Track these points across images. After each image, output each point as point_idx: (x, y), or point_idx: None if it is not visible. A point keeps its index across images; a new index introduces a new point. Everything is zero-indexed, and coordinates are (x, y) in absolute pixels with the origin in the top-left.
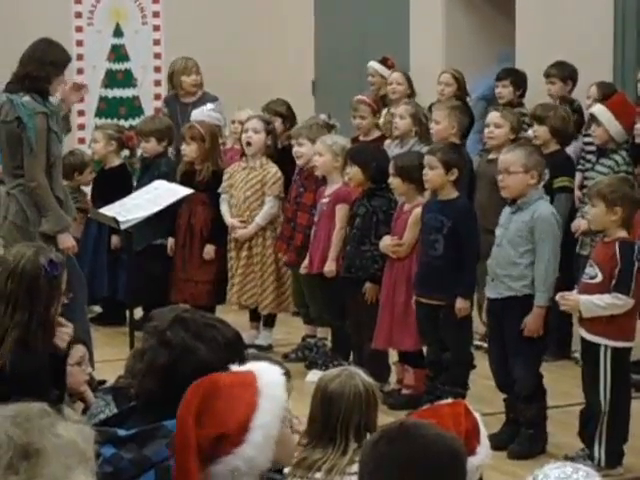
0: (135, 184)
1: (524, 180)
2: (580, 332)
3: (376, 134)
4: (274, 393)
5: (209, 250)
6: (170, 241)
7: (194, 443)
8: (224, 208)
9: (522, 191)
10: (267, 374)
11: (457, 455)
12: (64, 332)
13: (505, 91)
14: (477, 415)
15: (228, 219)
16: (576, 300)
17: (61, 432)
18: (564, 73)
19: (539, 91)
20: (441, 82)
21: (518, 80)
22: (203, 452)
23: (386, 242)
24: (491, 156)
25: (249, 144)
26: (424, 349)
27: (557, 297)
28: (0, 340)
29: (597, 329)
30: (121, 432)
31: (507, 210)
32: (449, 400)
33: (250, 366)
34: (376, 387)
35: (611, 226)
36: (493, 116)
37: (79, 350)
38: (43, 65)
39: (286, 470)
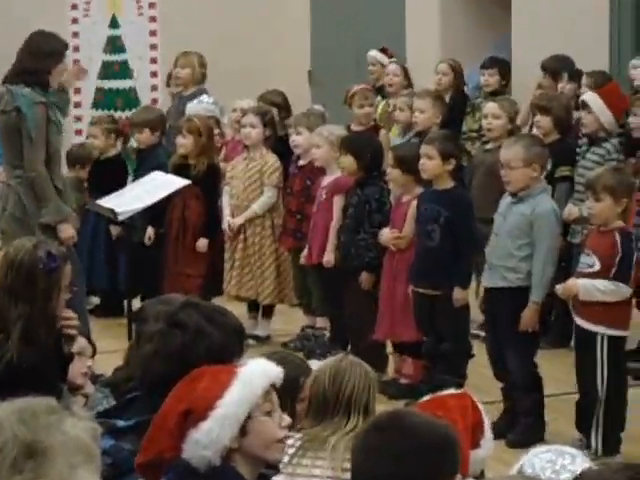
0: (131, 175)
1: (526, 174)
2: (576, 320)
3: (371, 123)
4: (250, 379)
5: (202, 243)
6: (149, 231)
7: (171, 420)
8: (225, 200)
9: (525, 184)
10: (253, 364)
11: (449, 442)
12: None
13: (492, 80)
14: (481, 407)
15: (226, 213)
16: (574, 284)
17: (68, 429)
18: (557, 65)
19: (534, 81)
20: (438, 72)
21: (504, 69)
22: (175, 426)
23: (386, 235)
24: (488, 146)
25: (248, 139)
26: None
27: (557, 288)
28: (7, 332)
29: (594, 318)
30: (120, 423)
31: (507, 199)
32: (451, 390)
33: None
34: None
35: (615, 217)
36: (491, 107)
37: (79, 342)
38: (40, 57)
39: (288, 450)
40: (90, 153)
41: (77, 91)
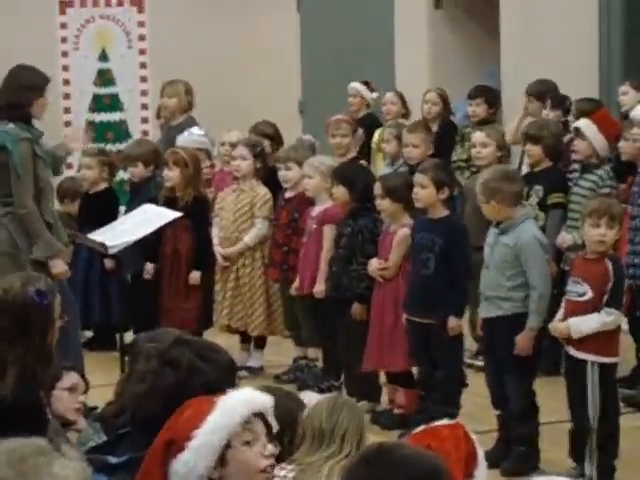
0: (125, 209)
1: (493, 207)
2: (567, 349)
3: (352, 154)
4: (228, 408)
5: (195, 276)
6: (148, 266)
7: (158, 451)
8: (214, 232)
9: (500, 216)
10: (234, 393)
11: (438, 474)
12: (71, 400)
13: (479, 109)
14: (474, 437)
15: (215, 244)
16: (566, 327)
17: (57, 471)
18: (540, 90)
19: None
20: (427, 101)
21: (491, 97)
22: (161, 457)
23: (372, 266)
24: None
25: (238, 171)
26: (413, 369)
27: (551, 326)
28: (2, 372)
29: (584, 346)
30: (112, 460)
31: (493, 230)
32: (445, 421)
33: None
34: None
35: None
36: (479, 136)
37: (72, 377)
38: (20, 91)
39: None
40: (80, 186)
41: (67, 124)
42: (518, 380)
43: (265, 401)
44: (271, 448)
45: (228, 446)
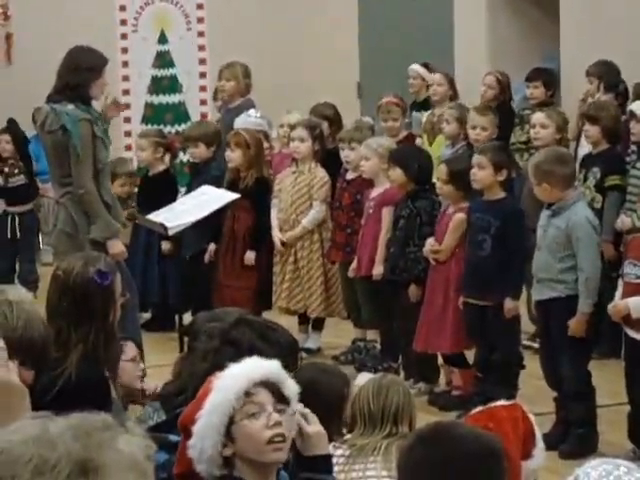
0: (185, 190)
1: (546, 190)
2: (627, 331)
3: (404, 134)
4: (223, 385)
5: (249, 256)
6: (211, 247)
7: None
8: (273, 213)
9: (550, 198)
10: (230, 368)
11: (495, 454)
12: (135, 368)
13: (537, 92)
14: (532, 418)
15: (274, 226)
16: (625, 304)
17: (122, 447)
18: (600, 72)
19: (583, 91)
20: (485, 84)
21: (549, 80)
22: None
23: (427, 246)
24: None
25: (297, 153)
26: (465, 351)
27: (609, 308)
28: (66, 352)
29: None
30: (173, 437)
31: (545, 212)
32: (503, 402)
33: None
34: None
35: None
36: (539, 117)
37: (132, 348)
38: (79, 72)
39: (339, 460)
40: (119, 168)
41: (127, 106)
42: (573, 362)
43: (267, 369)
44: (276, 417)
45: (232, 422)
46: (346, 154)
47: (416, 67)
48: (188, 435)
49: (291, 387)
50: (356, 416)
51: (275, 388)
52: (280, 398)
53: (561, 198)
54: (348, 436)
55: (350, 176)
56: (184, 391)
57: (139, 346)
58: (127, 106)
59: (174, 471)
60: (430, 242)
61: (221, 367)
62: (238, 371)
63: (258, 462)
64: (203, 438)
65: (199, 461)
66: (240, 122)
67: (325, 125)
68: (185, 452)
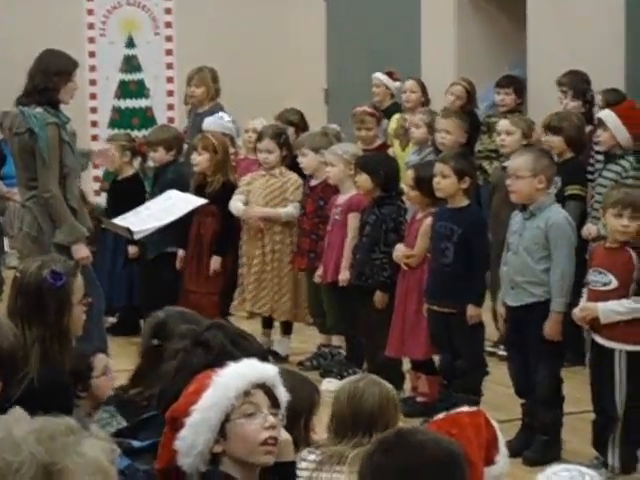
0: (148, 193)
1: (532, 185)
2: (594, 338)
3: (378, 142)
4: (224, 382)
5: (215, 261)
6: (180, 253)
7: (167, 428)
8: (238, 204)
9: (530, 196)
10: (231, 366)
11: (456, 459)
12: (108, 381)
13: (508, 98)
14: (495, 424)
15: (240, 207)
16: (595, 307)
17: (85, 451)
18: (571, 81)
19: (550, 99)
20: (453, 93)
21: (520, 87)
22: (169, 434)
23: (398, 252)
24: (505, 163)
25: (266, 164)
26: (435, 357)
27: (575, 312)
28: (25, 356)
29: (612, 334)
30: (136, 444)
31: (519, 216)
32: (466, 408)
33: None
34: (396, 393)
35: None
36: (504, 124)
37: (102, 360)
38: (49, 76)
39: (305, 464)
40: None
41: (93, 110)
42: (549, 367)
43: (266, 372)
44: (272, 419)
45: (227, 420)
46: (299, 160)
47: (379, 75)
48: (176, 427)
49: (283, 392)
50: (332, 419)
51: (270, 391)
52: (274, 402)
53: (537, 199)
54: (324, 441)
55: (313, 182)
56: (148, 396)
57: (104, 351)
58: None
59: (155, 466)
60: (400, 248)
61: (189, 367)
62: (239, 370)
63: (247, 462)
64: (197, 432)
65: (186, 454)
66: (210, 123)
67: (291, 131)
68: (170, 445)
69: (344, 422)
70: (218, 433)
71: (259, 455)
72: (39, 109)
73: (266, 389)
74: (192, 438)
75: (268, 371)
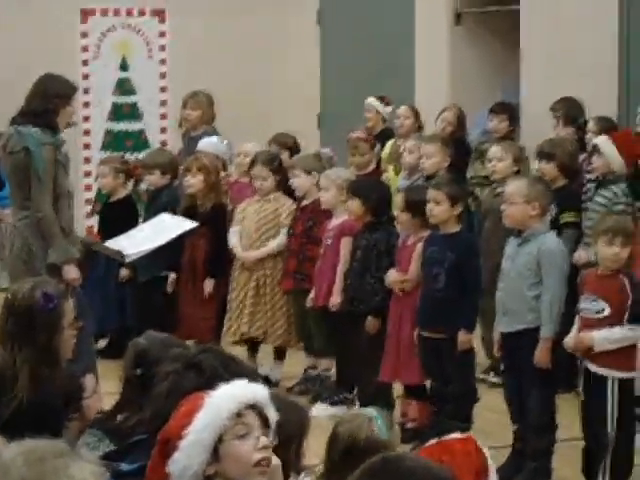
0: (143, 216)
1: (525, 211)
2: (586, 365)
3: (371, 167)
4: (216, 404)
5: (208, 284)
6: (171, 277)
7: (157, 450)
8: (234, 241)
9: (523, 221)
10: (223, 388)
11: None
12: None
13: (502, 125)
14: (486, 451)
15: (239, 251)
16: (590, 338)
17: (75, 473)
18: (564, 107)
19: (544, 126)
20: (443, 119)
21: (513, 114)
22: (160, 456)
23: (392, 278)
24: (498, 190)
25: (261, 190)
26: (427, 382)
27: (567, 341)
28: (14, 377)
29: (605, 362)
30: (124, 467)
31: (513, 242)
32: (457, 435)
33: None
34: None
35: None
36: (495, 150)
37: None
38: (47, 98)
39: None
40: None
41: (86, 133)
42: (541, 393)
43: (257, 392)
44: (265, 440)
45: (220, 441)
46: (291, 181)
47: (372, 100)
48: (168, 450)
49: (273, 413)
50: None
51: (262, 412)
52: (265, 422)
53: (532, 225)
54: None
55: (303, 203)
56: (136, 421)
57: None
58: None
59: None
60: (393, 273)
61: (181, 390)
62: (231, 391)
63: None
64: (190, 454)
65: (180, 477)
66: (205, 145)
67: (286, 154)
68: (159, 467)
69: (328, 464)
70: (211, 455)
71: (253, 476)
72: (36, 129)
73: (257, 410)
74: (186, 460)
75: (259, 392)
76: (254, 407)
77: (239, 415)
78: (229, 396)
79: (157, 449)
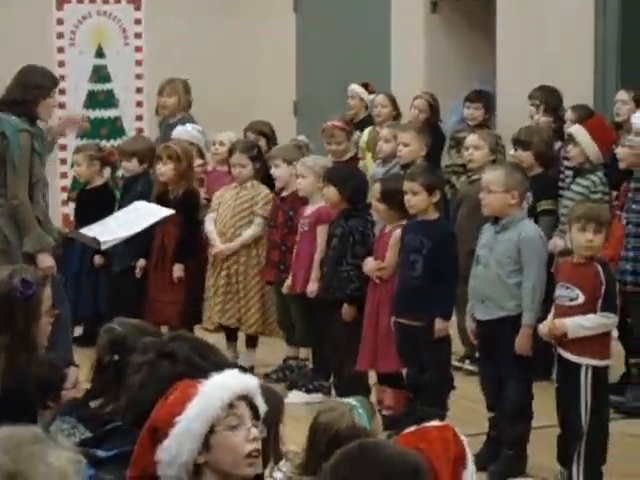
0: (117, 204)
1: (504, 200)
2: (560, 353)
3: (349, 155)
4: (209, 393)
5: (177, 269)
6: (140, 262)
7: (145, 437)
8: (210, 227)
9: (502, 210)
10: (216, 377)
11: (419, 472)
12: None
13: (477, 113)
14: (464, 438)
15: (214, 238)
16: (562, 324)
17: (51, 460)
18: (543, 96)
19: (520, 114)
20: (416, 107)
21: (489, 102)
22: (147, 443)
23: (369, 266)
24: (474, 177)
25: (240, 179)
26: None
27: (541, 327)
28: None
29: (579, 349)
30: (101, 453)
31: (490, 230)
32: (435, 423)
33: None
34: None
35: (599, 249)
36: (472, 139)
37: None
38: (27, 89)
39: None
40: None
41: (84, 120)
42: (519, 381)
43: (249, 383)
44: (255, 432)
45: (212, 431)
46: (272, 171)
47: (355, 87)
48: (157, 437)
49: (262, 405)
50: (308, 450)
51: (252, 403)
52: (254, 413)
53: (508, 214)
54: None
55: (283, 194)
56: (112, 409)
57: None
58: (84, 120)
59: (128, 474)
60: (370, 261)
61: (156, 379)
62: (224, 381)
63: (229, 474)
64: (181, 442)
65: (170, 465)
66: (178, 132)
67: (262, 142)
68: (146, 454)
69: (308, 454)
70: (202, 444)
71: (243, 467)
72: (15, 117)
73: (248, 401)
74: (176, 448)
75: (250, 382)
76: (245, 398)
77: (231, 406)
78: (222, 386)
79: (145, 436)
